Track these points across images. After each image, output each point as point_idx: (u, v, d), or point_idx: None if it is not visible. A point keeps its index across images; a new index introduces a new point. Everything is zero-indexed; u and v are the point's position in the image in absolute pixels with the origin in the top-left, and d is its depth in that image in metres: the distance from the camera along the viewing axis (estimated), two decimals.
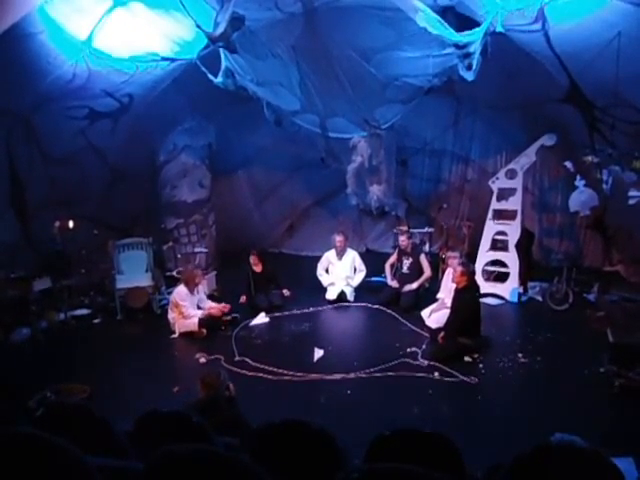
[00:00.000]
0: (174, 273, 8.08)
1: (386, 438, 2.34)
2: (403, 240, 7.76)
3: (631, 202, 6.50)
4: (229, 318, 6.90)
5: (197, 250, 8.88)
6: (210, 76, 6.57)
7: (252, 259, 7.65)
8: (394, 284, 7.67)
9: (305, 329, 6.78)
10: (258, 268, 7.69)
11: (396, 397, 4.90)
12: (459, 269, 5.88)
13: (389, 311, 7.24)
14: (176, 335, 6.58)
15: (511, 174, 7.75)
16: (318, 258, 8.21)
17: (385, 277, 7.94)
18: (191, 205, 9.21)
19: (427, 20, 5.38)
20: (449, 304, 6.12)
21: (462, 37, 5.68)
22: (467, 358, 5.59)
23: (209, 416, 3.17)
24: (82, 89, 6.52)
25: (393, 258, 7.95)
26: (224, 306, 6.91)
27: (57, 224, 7.17)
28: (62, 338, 6.65)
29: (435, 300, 6.79)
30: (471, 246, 8.13)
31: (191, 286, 6.76)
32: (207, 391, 3.41)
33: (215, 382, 3.43)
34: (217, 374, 3.57)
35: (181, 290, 6.70)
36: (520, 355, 5.66)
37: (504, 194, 7.86)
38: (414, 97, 7.01)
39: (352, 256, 8.00)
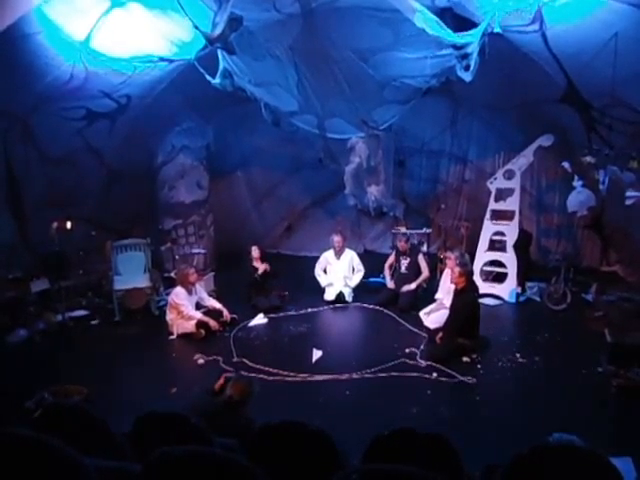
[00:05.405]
0: (172, 274, 8.06)
1: (385, 438, 2.34)
2: (402, 245, 7.75)
3: (628, 202, 6.50)
4: (227, 319, 6.88)
5: (195, 251, 8.88)
6: (208, 77, 6.56)
7: (254, 252, 7.68)
8: (392, 284, 7.68)
9: (303, 330, 6.77)
10: (259, 265, 7.72)
11: (394, 397, 4.89)
12: (457, 270, 5.88)
13: (387, 311, 7.24)
14: (174, 336, 6.57)
15: (509, 174, 7.76)
16: (316, 258, 8.20)
17: (384, 277, 7.95)
18: (189, 206, 9.22)
19: (425, 21, 5.38)
20: (447, 304, 6.12)
21: (460, 38, 5.68)
22: (465, 358, 5.59)
23: (224, 416, 3.19)
24: (80, 90, 6.51)
25: (391, 259, 7.95)
26: (226, 315, 6.84)
27: (54, 225, 7.13)
28: (60, 339, 6.62)
29: (433, 300, 6.78)
30: (469, 246, 8.14)
31: (187, 286, 6.73)
32: (233, 393, 3.43)
33: (245, 389, 3.47)
34: (249, 382, 3.63)
35: (179, 291, 6.68)
36: (518, 355, 5.66)
37: (502, 195, 7.87)
38: (412, 98, 7.02)
39: (350, 256, 7.99)
